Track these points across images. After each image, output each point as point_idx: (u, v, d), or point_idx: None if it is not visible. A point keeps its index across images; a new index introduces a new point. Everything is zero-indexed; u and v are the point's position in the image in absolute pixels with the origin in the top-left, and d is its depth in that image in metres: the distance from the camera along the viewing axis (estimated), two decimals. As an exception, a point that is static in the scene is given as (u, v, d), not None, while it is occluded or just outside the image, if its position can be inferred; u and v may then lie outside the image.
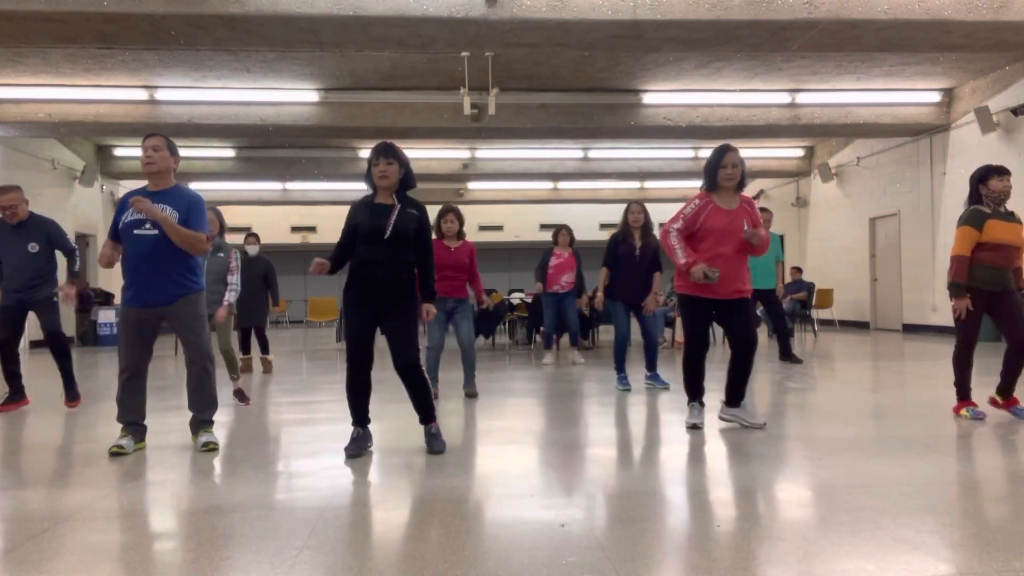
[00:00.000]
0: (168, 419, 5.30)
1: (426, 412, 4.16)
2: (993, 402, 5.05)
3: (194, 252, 4.25)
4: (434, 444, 4.11)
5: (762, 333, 11.85)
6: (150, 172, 4.23)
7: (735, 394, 4.67)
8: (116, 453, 4.11)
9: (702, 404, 4.74)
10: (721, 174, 4.51)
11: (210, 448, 4.20)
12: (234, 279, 6.13)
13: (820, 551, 2.46)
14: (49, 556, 2.54)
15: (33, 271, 5.77)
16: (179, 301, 4.21)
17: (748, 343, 4.56)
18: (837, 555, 2.42)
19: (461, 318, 6.13)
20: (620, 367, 6.62)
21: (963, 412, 4.93)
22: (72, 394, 6.00)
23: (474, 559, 2.45)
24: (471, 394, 6.27)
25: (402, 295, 4.02)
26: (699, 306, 4.57)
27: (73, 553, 2.57)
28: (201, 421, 4.35)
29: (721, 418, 4.77)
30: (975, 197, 4.92)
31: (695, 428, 4.63)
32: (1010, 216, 4.90)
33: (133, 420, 4.27)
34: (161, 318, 4.22)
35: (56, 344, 5.93)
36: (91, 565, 2.45)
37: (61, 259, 6.00)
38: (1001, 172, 4.84)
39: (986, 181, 4.87)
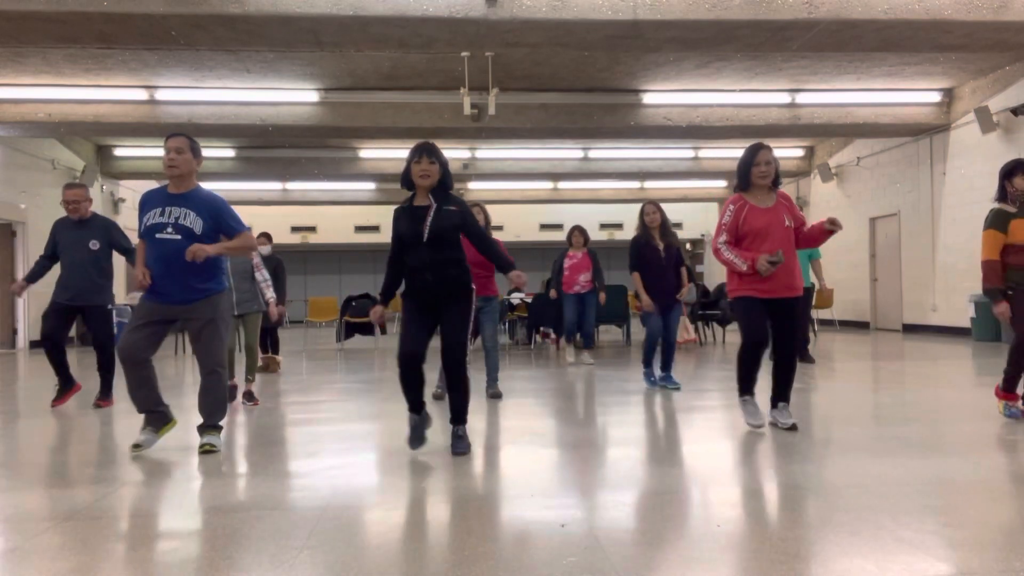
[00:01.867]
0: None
1: (458, 413, 4.13)
2: None
3: (252, 250, 4.39)
4: (458, 445, 4.07)
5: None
6: (173, 176, 4.13)
7: (780, 394, 4.58)
8: (136, 446, 4.13)
9: (754, 396, 4.59)
10: (755, 172, 4.43)
11: (207, 450, 4.15)
12: (264, 274, 6.19)
13: (820, 551, 2.46)
14: (50, 556, 2.54)
15: (93, 270, 5.76)
16: (200, 302, 4.17)
17: (796, 341, 4.50)
18: (837, 555, 2.42)
19: (487, 319, 6.05)
20: (648, 363, 6.62)
21: (999, 405, 4.78)
22: (104, 394, 5.97)
23: (474, 559, 2.45)
24: (495, 395, 6.12)
25: (454, 292, 4.01)
26: (755, 304, 4.44)
27: (73, 553, 2.57)
28: (208, 425, 4.31)
29: (775, 424, 4.61)
30: (1002, 192, 4.77)
31: (758, 429, 4.47)
32: None
33: (148, 408, 4.24)
34: (176, 316, 4.18)
35: (102, 355, 5.91)
36: (91, 565, 2.45)
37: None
38: None
39: (1011, 178, 4.69)
